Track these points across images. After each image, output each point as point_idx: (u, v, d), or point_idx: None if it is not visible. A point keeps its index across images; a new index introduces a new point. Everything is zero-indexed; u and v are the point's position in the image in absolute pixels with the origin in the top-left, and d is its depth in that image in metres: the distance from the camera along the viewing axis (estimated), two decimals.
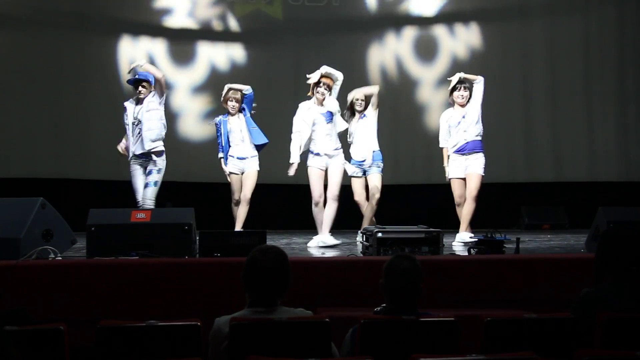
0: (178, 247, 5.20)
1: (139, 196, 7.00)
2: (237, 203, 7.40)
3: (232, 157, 7.43)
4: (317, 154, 7.03)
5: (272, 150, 8.31)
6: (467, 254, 5.73)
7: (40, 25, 9.23)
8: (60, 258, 5.10)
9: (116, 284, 4.78)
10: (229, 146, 7.42)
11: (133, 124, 7.04)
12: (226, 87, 7.44)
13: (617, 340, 3.14)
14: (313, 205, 7.01)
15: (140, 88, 7.05)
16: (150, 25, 9.55)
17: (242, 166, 7.42)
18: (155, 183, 6.99)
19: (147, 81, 7.06)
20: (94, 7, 9.42)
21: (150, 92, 7.06)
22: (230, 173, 7.46)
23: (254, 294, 3.25)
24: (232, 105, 7.34)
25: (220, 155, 7.48)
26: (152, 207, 6.85)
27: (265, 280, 3.23)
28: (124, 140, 7.24)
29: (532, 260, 5.36)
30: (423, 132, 9.79)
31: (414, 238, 5.58)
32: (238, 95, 7.37)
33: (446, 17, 9.94)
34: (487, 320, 3.26)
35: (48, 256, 5.01)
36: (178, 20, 9.64)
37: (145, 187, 6.98)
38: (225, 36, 9.71)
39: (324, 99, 7.04)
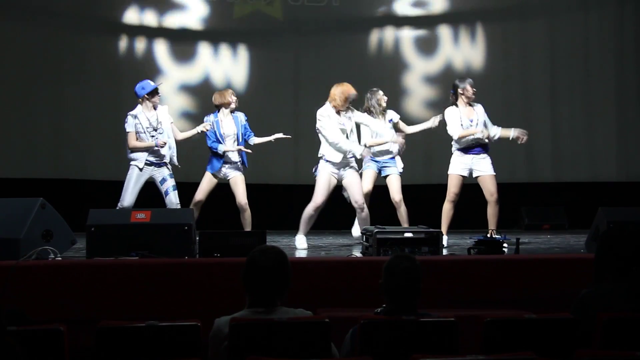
0: (178, 248, 5.20)
1: (127, 202, 6.80)
2: (197, 205, 7.09)
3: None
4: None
5: (272, 151, 8.32)
6: (467, 254, 5.73)
7: (39, 25, 9.23)
8: (60, 258, 5.10)
9: (116, 285, 4.78)
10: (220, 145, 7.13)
11: (155, 129, 6.90)
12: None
13: (617, 341, 3.14)
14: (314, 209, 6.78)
15: (157, 96, 6.97)
16: (150, 24, 9.55)
17: (225, 172, 7.18)
18: (174, 187, 6.97)
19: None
20: (94, 6, 9.41)
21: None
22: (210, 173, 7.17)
23: (253, 295, 3.25)
24: (234, 99, 7.20)
25: (222, 148, 7.09)
26: None
27: (265, 280, 3.22)
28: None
29: (532, 261, 5.37)
30: (423, 132, 9.78)
31: (413, 238, 5.58)
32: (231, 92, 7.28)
33: (446, 17, 9.94)
34: (487, 321, 3.26)
35: (48, 256, 5.01)
36: (178, 20, 9.64)
37: (167, 194, 6.93)
38: (225, 36, 9.70)
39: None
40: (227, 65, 9.60)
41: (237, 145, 7.17)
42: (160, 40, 9.55)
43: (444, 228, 6.99)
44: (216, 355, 3.20)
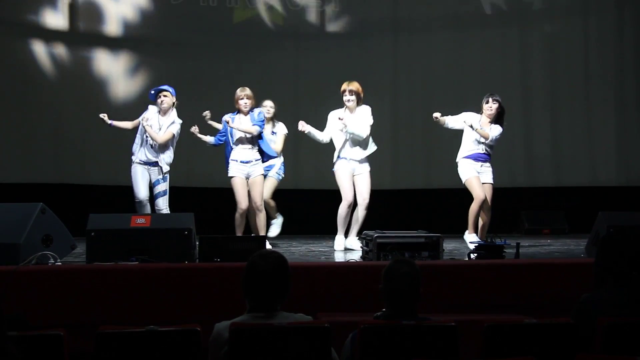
0: (178, 252, 5.20)
1: (142, 195, 6.95)
2: (244, 214, 6.95)
3: (235, 160, 6.99)
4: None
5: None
6: (466, 258, 5.73)
7: (38, 29, 9.25)
8: (60, 263, 5.09)
9: (116, 290, 4.78)
10: (231, 148, 7.02)
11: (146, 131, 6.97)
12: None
13: (618, 345, 3.14)
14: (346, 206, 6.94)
15: (162, 97, 6.99)
16: (150, 29, 9.57)
17: (247, 170, 6.99)
18: (165, 192, 7.02)
19: (168, 91, 7.06)
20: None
21: (173, 103, 7.05)
22: (233, 177, 6.97)
23: (253, 299, 3.25)
24: (244, 103, 6.98)
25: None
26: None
27: (265, 285, 3.22)
28: (118, 122, 7.18)
29: (532, 265, 5.36)
30: (423, 137, 9.79)
31: (413, 243, 5.58)
32: (249, 92, 7.03)
33: (446, 22, 9.95)
34: (487, 326, 3.25)
35: (48, 261, 5.00)
36: (178, 23, 9.66)
37: (156, 197, 7.00)
38: (225, 41, 9.71)
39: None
40: (227, 69, 9.60)
41: (250, 144, 7.03)
42: (160, 44, 9.56)
43: (471, 228, 7.05)
44: None
